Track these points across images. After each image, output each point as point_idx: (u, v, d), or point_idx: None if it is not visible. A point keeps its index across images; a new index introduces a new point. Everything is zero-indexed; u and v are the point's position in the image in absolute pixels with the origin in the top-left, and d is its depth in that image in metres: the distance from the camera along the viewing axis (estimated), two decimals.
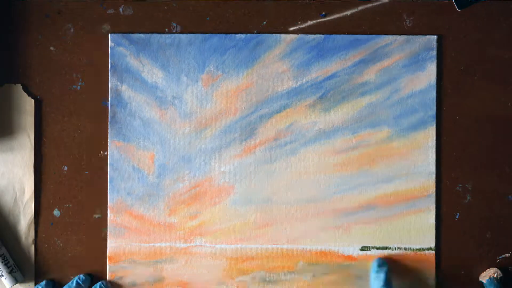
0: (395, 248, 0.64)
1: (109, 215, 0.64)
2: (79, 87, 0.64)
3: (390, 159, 0.64)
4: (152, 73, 0.64)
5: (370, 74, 0.64)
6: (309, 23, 0.64)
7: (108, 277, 0.64)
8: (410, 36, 0.64)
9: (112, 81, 0.64)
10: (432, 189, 0.64)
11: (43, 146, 0.64)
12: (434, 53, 0.64)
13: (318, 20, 0.64)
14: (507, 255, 0.64)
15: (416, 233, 0.64)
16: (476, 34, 0.64)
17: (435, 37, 0.63)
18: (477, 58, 0.64)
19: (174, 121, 0.64)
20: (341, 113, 0.64)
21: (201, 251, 0.64)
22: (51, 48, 0.64)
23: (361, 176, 0.64)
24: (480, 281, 0.64)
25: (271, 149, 0.64)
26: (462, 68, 0.64)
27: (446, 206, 0.64)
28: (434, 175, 0.64)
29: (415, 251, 0.64)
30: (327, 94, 0.64)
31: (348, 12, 0.64)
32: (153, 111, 0.64)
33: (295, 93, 0.64)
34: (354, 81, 0.64)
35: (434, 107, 0.64)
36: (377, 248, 0.64)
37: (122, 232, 0.64)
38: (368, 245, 0.64)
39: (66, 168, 0.64)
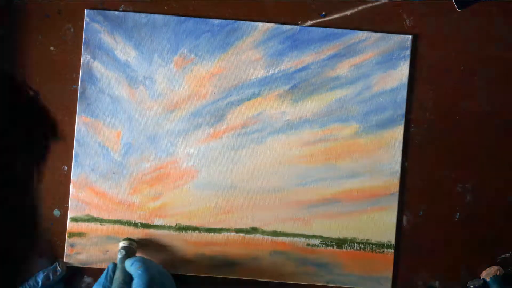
0: (354, 243, 0.64)
1: (72, 190, 0.64)
2: (79, 87, 0.64)
3: (356, 155, 0.64)
4: (125, 52, 0.64)
5: (343, 69, 0.64)
6: (309, 23, 0.64)
7: (66, 252, 0.64)
8: (385, 34, 0.64)
9: (85, 57, 0.63)
10: (396, 188, 0.64)
11: None
12: (408, 52, 0.64)
13: (318, 20, 0.64)
14: (507, 255, 0.65)
15: (377, 230, 0.64)
16: (476, 34, 0.64)
17: (410, 36, 0.63)
18: (477, 58, 0.64)
19: (143, 101, 0.64)
20: (310, 106, 0.64)
21: (160, 233, 0.64)
22: (51, 48, 0.64)
23: (326, 170, 0.64)
24: (483, 279, 0.64)
25: (238, 136, 0.64)
26: (462, 68, 0.64)
27: (444, 205, 0.64)
28: (398, 174, 0.64)
29: (374, 248, 0.64)
30: (298, 85, 0.64)
31: (348, 12, 0.64)
32: (123, 90, 0.64)
33: (266, 82, 0.64)
34: (326, 74, 0.64)
35: (404, 106, 0.64)
36: (336, 242, 0.64)
37: (83, 208, 0.64)
38: (328, 239, 0.64)
39: (66, 168, 0.64)
